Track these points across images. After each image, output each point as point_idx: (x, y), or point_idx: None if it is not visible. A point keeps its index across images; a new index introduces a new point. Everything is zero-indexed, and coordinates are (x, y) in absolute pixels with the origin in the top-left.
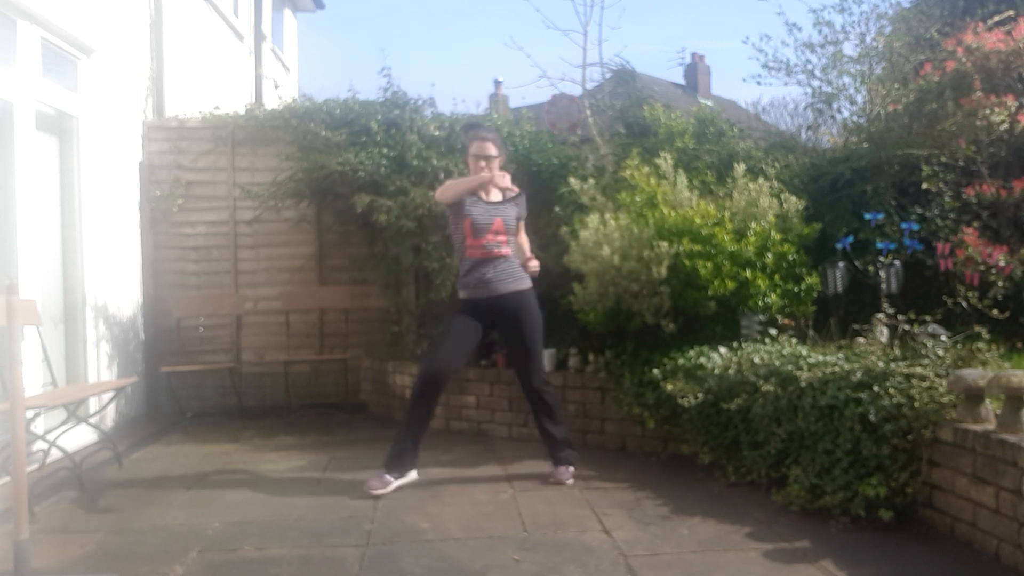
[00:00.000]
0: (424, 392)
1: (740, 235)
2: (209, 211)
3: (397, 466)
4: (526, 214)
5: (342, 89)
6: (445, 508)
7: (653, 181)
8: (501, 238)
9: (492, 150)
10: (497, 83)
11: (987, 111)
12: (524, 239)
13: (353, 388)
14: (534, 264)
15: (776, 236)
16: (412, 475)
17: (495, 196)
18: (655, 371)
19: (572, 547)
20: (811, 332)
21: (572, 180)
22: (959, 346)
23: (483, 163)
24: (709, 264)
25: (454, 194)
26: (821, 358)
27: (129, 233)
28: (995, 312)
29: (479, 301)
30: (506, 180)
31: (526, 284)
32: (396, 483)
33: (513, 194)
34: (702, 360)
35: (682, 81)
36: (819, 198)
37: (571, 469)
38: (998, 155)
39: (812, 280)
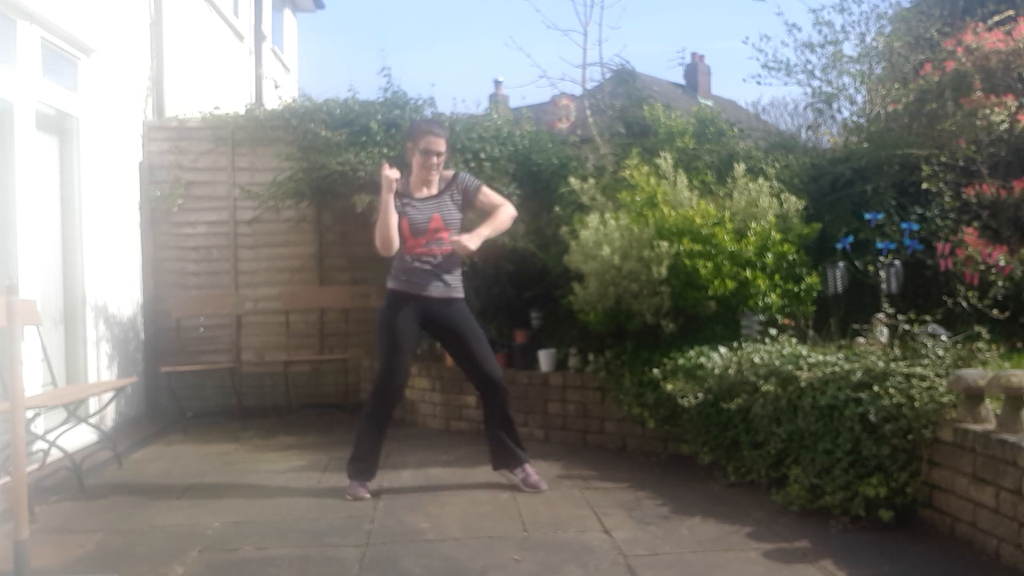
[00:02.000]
0: (383, 409)
1: (740, 235)
2: (209, 211)
3: (367, 475)
4: (476, 183)
5: (342, 89)
6: (445, 508)
7: (653, 181)
8: (442, 235)
9: (443, 146)
10: (497, 83)
11: (987, 111)
12: (497, 208)
13: (353, 388)
14: (457, 242)
15: (776, 236)
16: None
17: (433, 189)
18: (655, 371)
19: (572, 547)
20: (811, 332)
21: (572, 180)
22: (959, 346)
23: (435, 159)
24: (709, 264)
25: (385, 234)
26: (821, 358)
27: (129, 233)
28: (995, 312)
29: (411, 297)
30: (395, 171)
31: (462, 292)
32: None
33: (447, 179)
34: (702, 360)
35: (682, 81)
36: (819, 198)
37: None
38: (998, 155)
39: (812, 280)
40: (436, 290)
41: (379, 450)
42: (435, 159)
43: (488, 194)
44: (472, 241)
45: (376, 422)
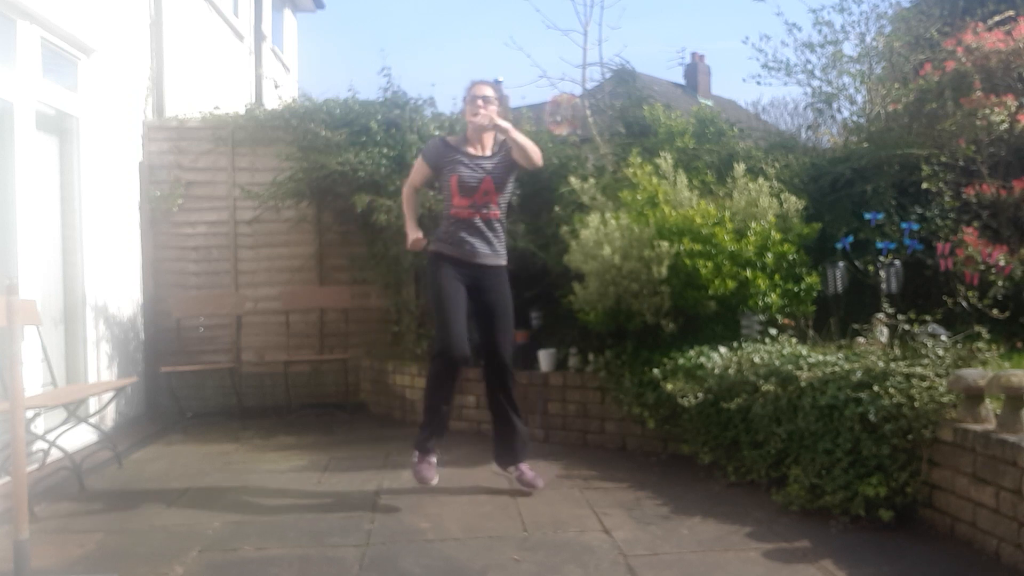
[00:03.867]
0: (445, 374)
1: (740, 235)
2: (209, 211)
3: (433, 446)
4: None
5: (342, 89)
6: (445, 508)
7: (654, 180)
8: (491, 198)
9: (488, 91)
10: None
11: (987, 111)
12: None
13: (353, 388)
14: (486, 114)
15: (776, 236)
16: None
17: (487, 149)
18: (655, 371)
19: (572, 547)
20: (811, 332)
21: (572, 180)
22: (959, 346)
23: (480, 102)
24: (709, 264)
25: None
26: (821, 358)
27: (129, 233)
28: (995, 312)
29: (458, 261)
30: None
31: (505, 260)
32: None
33: (500, 144)
34: (702, 360)
35: (682, 81)
36: (819, 198)
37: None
38: (998, 155)
39: (812, 280)
40: (485, 257)
41: (445, 420)
42: (480, 101)
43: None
44: (501, 119)
45: (436, 387)
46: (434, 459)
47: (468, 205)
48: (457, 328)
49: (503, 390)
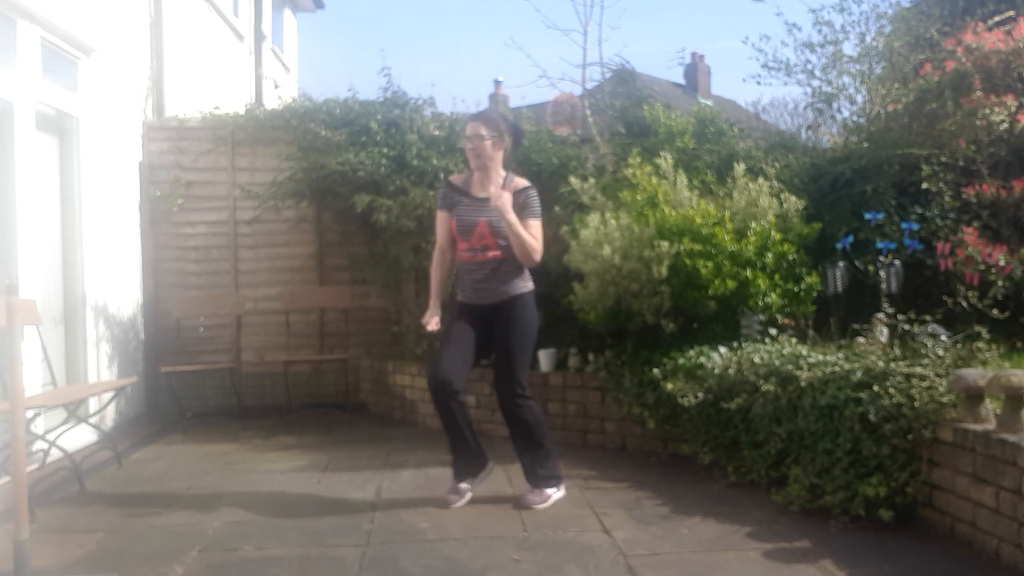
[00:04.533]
0: (438, 404)
1: (740, 235)
2: (209, 211)
3: (465, 473)
4: (532, 209)
5: (342, 89)
6: (445, 508)
7: (654, 180)
8: (487, 242)
9: (481, 129)
10: (497, 83)
11: (987, 111)
12: (532, 237)
13: (353, 388)
14: (498, 195)
15: (776, 236)
16: (490, 466)
17: (488, 190)
18: (655, 371)
19: (572, 547)
20: (811, 332)
21: (572, 180)
22: (959, 346)
23: (471, 144)
24: (709, 264)
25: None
26: (821, 358)
27: (129, 233)
28: (995, 312)
29: (471, 307)
30: (496, 188)
31: (520, 290)
32: (469, 488)
33: (515, 189)
34: (702, 360)
35: (682, 81)
36: (819, 198)
37: (549, 492)
38: (998, 155)
39: (812, 280)
40: (491, 296)
41: (468, 447)
42: (472, 144)
43: (534, 229)
44: (504, 201)
45: (442, 423)
46: (464, 485)
47: (467, 248)
48: (445, 360)
49: (512, 416)
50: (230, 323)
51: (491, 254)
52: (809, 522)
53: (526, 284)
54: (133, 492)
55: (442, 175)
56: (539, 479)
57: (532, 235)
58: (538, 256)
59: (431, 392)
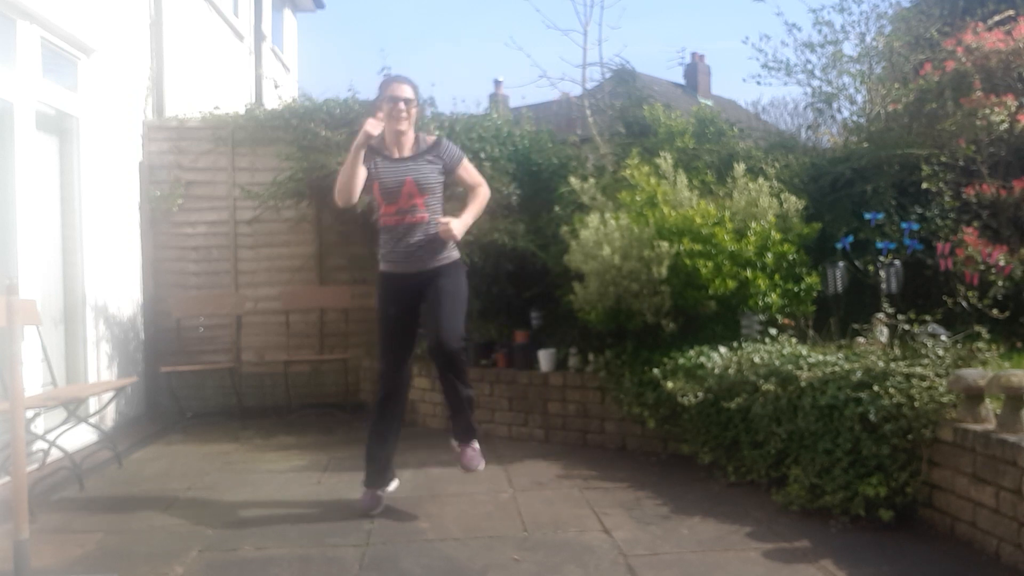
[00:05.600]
0: (387, 408)
1: (740, 235)
2: (209, 211)
3: (380, 481)
4: (459, 154)
5: (342, 89)
6: (445, 508)
7: (654, 180)
8: (416, 200)
9: (410, 92)
10: (497, 83)
11: (987, 111)
12: (476, 189)
13: (353, 388)
14: (445, 227)
15: (776, 236)
16: (394, 484)
17: (406, 151)
18: (655, 370)
19: (572, 547)
20: (811, 332)
21: (572, 180)
22: (959, 346)
23: (401, 105)
24: (709, 264)
25: (346, 180)
26: (821, 358)
27: (129, 233)
28: (995, 312)
29: (402, 276)
30: (377, 126)
31: (454, 255)
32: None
33: (429, 144)
34: (702, 360)
35: (682, 81)
36: (819, 198)
37: (476, 445)
38: (998, 155)
39: (812, 280)
40: (422, 263)
41: (391, 453)
42: (402, 105)
43: (469, 170)
44: (459, 229)
45: (374, 423)
46: (380, 493)
47: (395, 212)
48: (400, 363)
49: (453, 372)
50: (230, 323)
51: (419, 216)
52: (809, 522)
53: (456, 251)
54: (133, 492)
55: (447, 142)
56: (471, 431)
57: (475, 182)
58: (489, 192)
59: (384, 394)
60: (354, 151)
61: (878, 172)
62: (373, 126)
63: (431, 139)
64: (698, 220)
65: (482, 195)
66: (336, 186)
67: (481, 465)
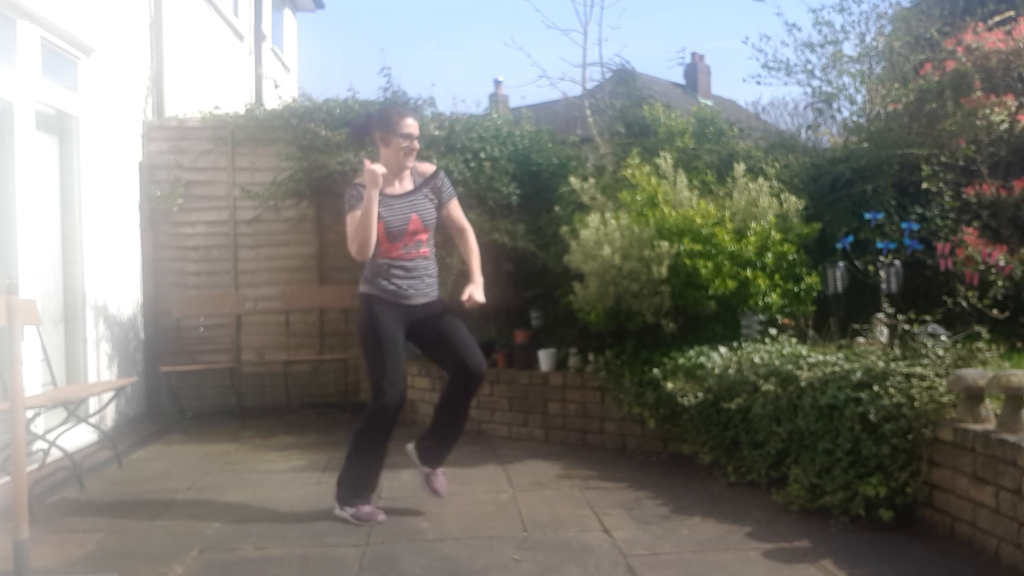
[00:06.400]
0: (385, 424)
1: (740, 235)
2: (209, 211)
3: (371, 489)
4: (451, 192)
5: (342, 89)
6: (445, 508)
7: (654, 180)
8: (420, 237)
9: (418, 128)
10: (497, 83)
11: (987, 111)
12: (465, 233)
13: (353, 388)
14: (470, 296)
15: (776, 236)
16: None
17: (406, 184)
18: (655, 370)
19: (572, 547)
20: (811, 332)
21: (572, 180)
22: (959, 346)
23: (416, 144)
24: (709, 264)
25: (364, 238)
26: (821, 358)
27: (129, 233)
28: (995, 312)
29: (400, 308)
30: (380, 166)
31: (438, 294)
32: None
33: (425, 176)
34: (702, 360)
35: (682, 81)
36: (819, 198)
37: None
38: (998, 155)
39: (812, 280)
40: (421, 297)
41: (382, 464)
42: (416, 143)
43: (457, 210)
44: (481, 293)
45: (370, 443)
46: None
47: (401, 247)
48: (399, 380)
49: (469, 398)
50: (230, 323)
51: (423, 250)
52: (809, 522)
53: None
54: (133, 492)
55: (442, 174)
56: (444, 459)
57: (462, 225)
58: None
59: (388, 412)
60: (369, 200)
61: (878, 172)
62: (379, 166)
63: (424, 168)
64: (698, 220)
65: (474, 241)
66: (351, 237)
67: (444, 490)
